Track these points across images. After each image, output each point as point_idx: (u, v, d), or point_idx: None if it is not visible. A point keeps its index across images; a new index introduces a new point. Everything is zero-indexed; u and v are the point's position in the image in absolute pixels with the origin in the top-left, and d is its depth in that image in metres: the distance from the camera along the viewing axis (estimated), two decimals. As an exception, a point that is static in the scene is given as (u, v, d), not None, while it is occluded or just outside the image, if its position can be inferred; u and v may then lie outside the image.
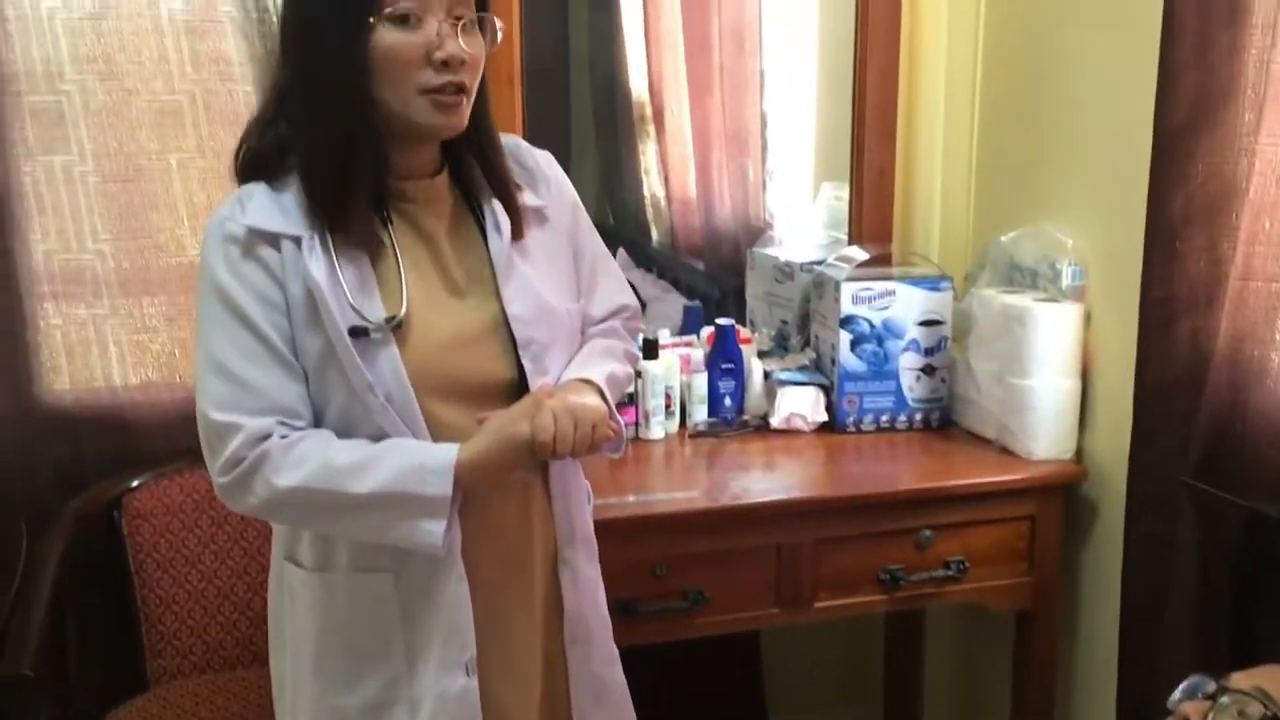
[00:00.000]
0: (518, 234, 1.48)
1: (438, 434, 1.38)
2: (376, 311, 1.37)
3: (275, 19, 2.11)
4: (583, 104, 3.33)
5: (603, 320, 1.62)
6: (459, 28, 1.34)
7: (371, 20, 1.31)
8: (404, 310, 1.38)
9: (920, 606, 2.44)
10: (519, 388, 1.45)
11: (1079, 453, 2.16)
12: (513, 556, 1.49)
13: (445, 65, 1.33)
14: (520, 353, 1.44)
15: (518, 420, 1.37)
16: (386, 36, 1.32)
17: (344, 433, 1.37)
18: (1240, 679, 1.23)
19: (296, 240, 1.35)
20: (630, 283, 2.86)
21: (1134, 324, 1.92)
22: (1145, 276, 1.86)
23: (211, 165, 2.16)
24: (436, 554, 1.36)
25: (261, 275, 1.35)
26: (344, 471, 1.33)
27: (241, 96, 2.15)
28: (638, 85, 3.28)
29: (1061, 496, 2.13)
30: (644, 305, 2.80)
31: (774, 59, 2.91)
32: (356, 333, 1.34)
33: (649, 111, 3.28)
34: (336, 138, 1.34)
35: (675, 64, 3.16)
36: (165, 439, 2.20)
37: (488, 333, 1.44)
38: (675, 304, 2.92)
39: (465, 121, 1.39)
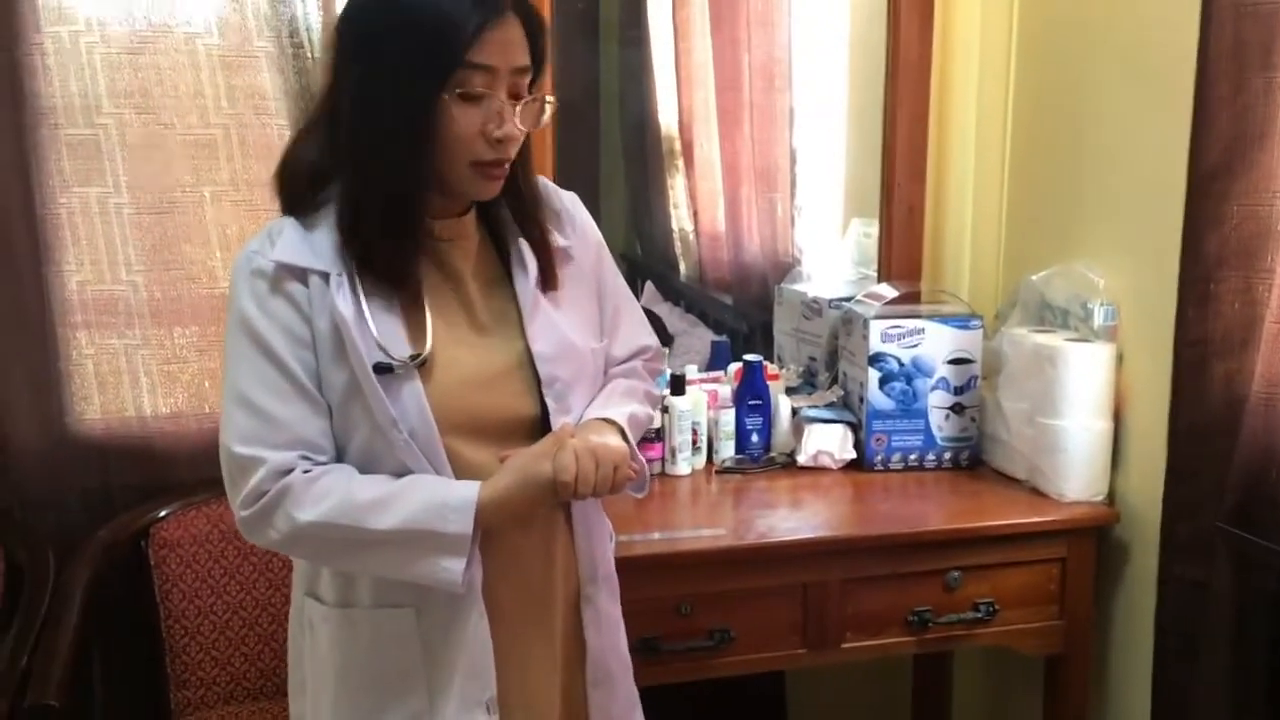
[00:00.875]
0: (551, 284, 1.49)
1: (460, 471, 1.38)
2: (402, 348, 1.37)
3: (311, 54, 2.14)
4: (612, 138, 3.34)
5: (625, 361, 1.62)
6: (518, 107, 1.35)
7: (445, 97, 1.31)
8: (429, 348, 1.38)
9: (948, 649, 2.41)
10: (542, 426, 1.44)
11: (1111, 495, 2.13)
12: (535, 594, 1.48)
13: (500, 143, 1.34)
14: (544, 391, 1.44)
15: (539, 459, 1.37)
16: (454, 111, 1.32)
17: (366, 469, 1.37)
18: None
19: (324, 276, 1.35)
20: (657, 316, 2.89)
21: (1167, 365, 1.90)
22: (1179, 318, 1.85)
23: (245, 198, 2.18)
24: (456, 591, 1.35)
25: (288, 310, 1.35)
26: (365, 507, 1.33)
27: (275, 130, 2.17)
28: (667, 120, 3.28)
29: (1093, 539, 2.10)
30: (671, 339, 2.81)
31: (804, 95, 2.92)
32: (381, 369, 1.34)
33: (678, 146, 3.29)
34: (386, 200, 1.34)
35: (705, 99, 3.17)
36: (193, 469, 2.21)
37: (512, 370, 1.44)
38: (702, 338, 2.91)
39: (502, 184, 1.41)
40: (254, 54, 2.14)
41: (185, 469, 2.21)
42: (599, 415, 1.46)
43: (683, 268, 3.32)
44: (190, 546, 2.15)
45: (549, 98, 1.40)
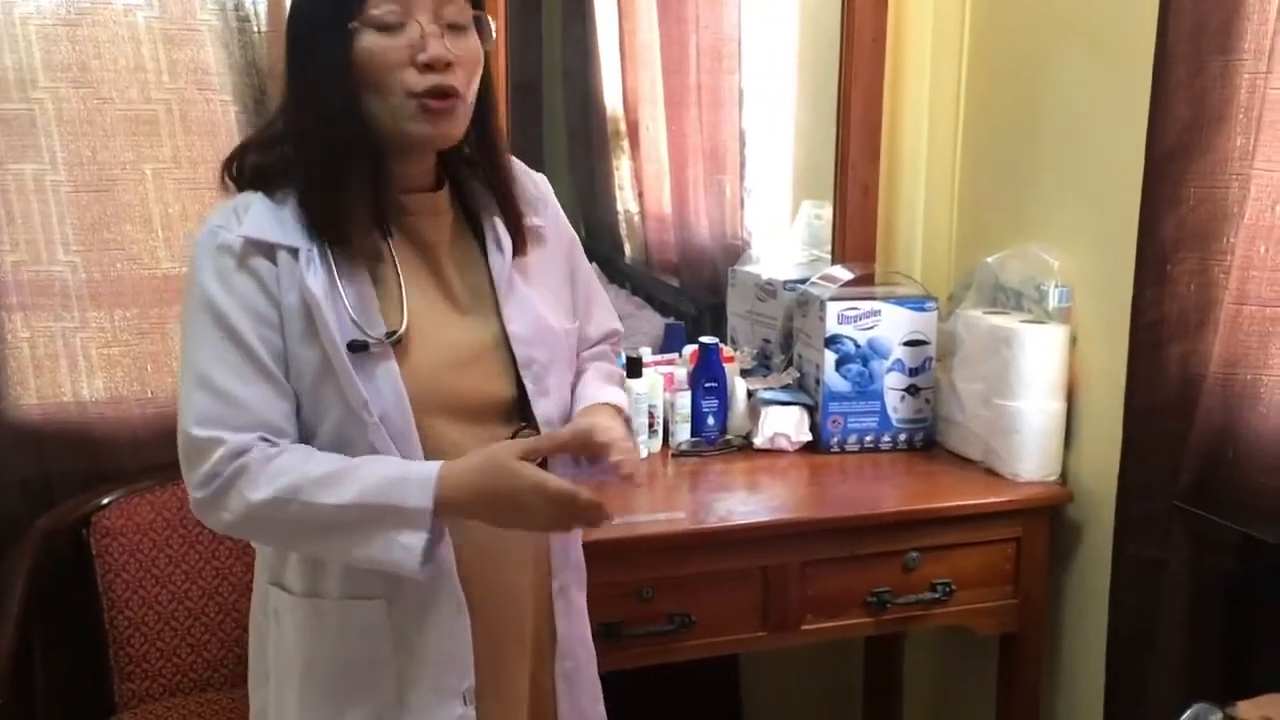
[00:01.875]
0: (520, 250, 1.46)
1: (435, 452, 1.34)
2: (376, 326, 1.33)
3: (257, 28, 2.08)
4: (556, 119, 3.31)
5: (596, 344, 1.62)
6: (445, 30, 1.31)
7: (353, 26, 1.29)
8: (404, 325, 1.35)
9: (906, 629, 2.43)
10: (519, 407, 1.42)
11: (1064, 475, 2.15)
12: (507, 584, 1.45)
13: (429, 68, 1.30)
14: (521, 372, 1.42)
15: (510, 446, 1.33)
16: (368, 41, 1.29)
17: (337, 451, 1.33)
18: (1247, 708, 1.22)
19: (294, 252, 1.31)
20: (605, 299, 2.87)
21: (1122, 346, 1.92)
22: (1136, 299, 1.86)
23: (187, 175, 2.11)
24: (414, 575, 1.30)
25: (254, 288, 1.31)
26: (319, 482, 1.29)
27: (219, 106, 2.10)
28: (612, 100, 3.26)
29: (1047, 519, 2.12)
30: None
31: (753, 76, 2.90)
32: (355, 347, 1.31)
33: (624, 127, 3.27)
34: (331, 150, 1.31)
35: (652, 80, 3.14)
36: (135, 455, 2.14)
37: (488, 351, 1.41)
38: (649, 321, 2.90)
39: (459, 130, 1.36)
40: (196, 27, 2.07)
41: (127, 455, 2.14)
42: (605, 400, 1.46)
43: (628, 250, 3.30)
44: (133, 535, 2.09)
45: (481, 14, 1.35)
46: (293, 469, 1.29)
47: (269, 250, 1.32)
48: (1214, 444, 1.75)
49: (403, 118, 1.32)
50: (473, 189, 1.46)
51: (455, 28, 1.32)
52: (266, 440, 1.31)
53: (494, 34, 1.38)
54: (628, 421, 1.45)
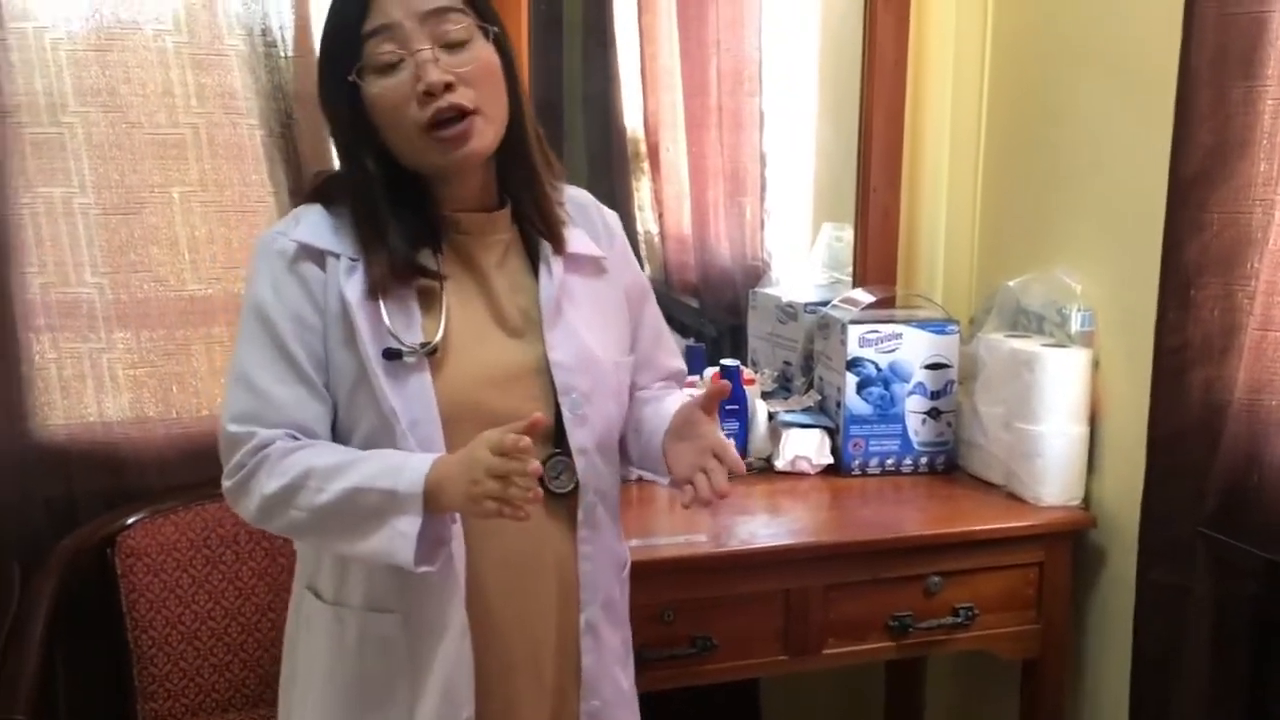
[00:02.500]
0: (558, 249, 1.46)
1: None
2: (414, 336, 1.35)
3: (284, 53, 2.09)
4: (576, 139, 3.32)
5: (661, 380, 1.65)
6: (438, 51, 1.32)
7: (354, 80, 1.32)
8: (439, 337, 1.36)
9: (928, 654, 2.42)
10: (556, 434, 1.42)
11: (1087, 499, 2.14)
12: (523, 613, 1.44)
13: (429, 95, 1.31)
14: (559, 399, 1.42)
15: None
16: (372, 88, 1.33)
17: None
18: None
19: (341, 259, 1.36)
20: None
21: (1145, 371, 1.91)
22: (1159, 324, 1.86)
23: (213, 198, 2.12)
24: (410, 567, 1.28)
25: (300, 293, 1.35)
26: (323, 472, 1.31)
27: (245, 130, 2.11)
28: (633, 122, 3.27)
29: (1070, 543, 2.11)
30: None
31: (774, 99, 2.91)
32: (390, 354, 1.33)
33: (644, 149, 3.28)
34: (366, 184, 1.36)
35: (672, 102, 3.15)
36: (160, 476, 2.15)
37: (528, 374, 1.42)
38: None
39: (483, 146, 1.36)
40: (224, 52, 2.09)
41: (152, 476, 2.15)
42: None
43: (648, 270, 3.30)
44: (157, 555, 2.10)
45: (485, 25, 1.36)
46: (305, 461, 1.32)
47: (319, 256, 1.35)
48: (1238, 470, 1.74)
49: (420, 151, 1.34)
50: (531, 213, 1.46)
51: (456, 45, 1.33)
52: (293, 438, 1.34)
53: (508, 41, 1.39)
54: None
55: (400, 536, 1.28)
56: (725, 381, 1.47)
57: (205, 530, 2.11)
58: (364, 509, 1.29)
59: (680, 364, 1.69)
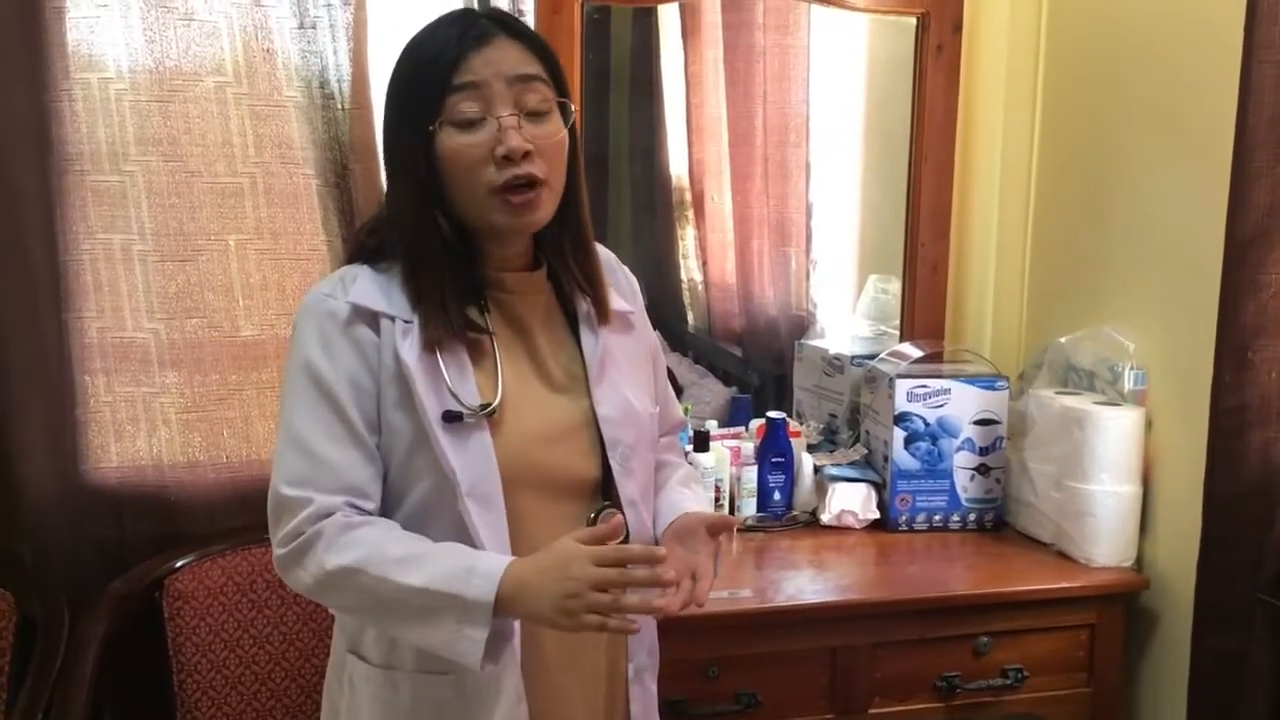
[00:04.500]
0: (604, 320, 1.48)
1: (520, 526, 1.36)
2: (472, 397, 1.36)
3: (341, 104, 2.13)
4: (622, 188, 3.34)
5: (665, 433, 1.66)
6: (522, 119, 1.34)
7: (433, 129, 1.33)
8: (498, 398, 1.37)
9: (976, 716, 2.38)
10: (604, 487, 1.43)
11: (1139, 561, 2.11)
12: (579, 666, 1.45)
13: (507, 160, 1.33)
14: (608, 453, 1.43)
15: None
16: (449, 141, 1.34)
17: (424, 521, 1.35)
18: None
19: (395, 321, 1.36)
20: (668, 367, 2.88)
21: (1200, 431, 1.89)
22: (1215, 386, 1.84)
23: (269, 246, 2.15)
24: (474, 669, 1.28)
25: (354, 355, 1.35)
26: (393, 562, 1.30)
27: (301, 180, 2.15)
28: (678, 172, 3.29)
29: (1122, 606, 2.08)
30: (681, 390, 2.79)
31: (820, 150, 2.92)
32: (450, 417, 1.33)
33: (689, 197, 3.29)
34: (423, 238, 1.36)
35: (718, 152, 3.17)
36: (209, 520, 2.17)
37: (577, 430, 1.43)
38: (711, 389, 2.90)
39: (545, 215, 1.39)
40: (282, 104, 2.12)
41: (201, 520, 2.17)
42: (689, 508, 1.50)
43: (691, 318, 3.30)
44: (204, 599, 2.11)
45: (565, 100, 1.38)
46: (370, 542, 1.31)
47: (372, 318, 1.35)
48: (1298, 535, 1.72)
49: (487, 210, 1.35)
50: (567, 270, 1.48)
51: (536, 115, 1.35)
52: (352, 505, 1.33)
53: (572, 115, 1.40)
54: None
55: (466, 640, 1.27)
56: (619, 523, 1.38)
57: (251, 574, 2.13)
58: (431, 609, 1.28)
59: (680, 414, 1.74)
